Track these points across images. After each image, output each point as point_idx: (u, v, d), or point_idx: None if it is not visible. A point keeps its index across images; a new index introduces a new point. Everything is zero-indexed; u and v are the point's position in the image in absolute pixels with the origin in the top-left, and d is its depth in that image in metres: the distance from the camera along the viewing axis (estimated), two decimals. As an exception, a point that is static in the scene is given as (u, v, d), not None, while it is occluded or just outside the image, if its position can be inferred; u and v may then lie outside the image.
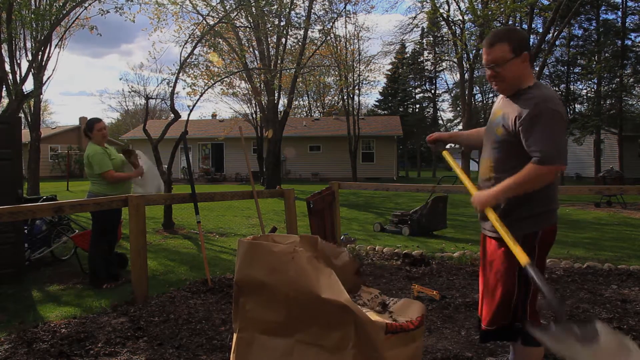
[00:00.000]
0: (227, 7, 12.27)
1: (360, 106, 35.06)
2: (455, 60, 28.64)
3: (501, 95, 2.43)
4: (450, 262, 5.90)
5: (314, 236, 2.57)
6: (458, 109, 42.94)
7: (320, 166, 28.97)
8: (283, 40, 16.19)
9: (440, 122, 49.71)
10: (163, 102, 16.35)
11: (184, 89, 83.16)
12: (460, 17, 20.87)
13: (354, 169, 26.40)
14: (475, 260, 5.71)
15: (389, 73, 42.10)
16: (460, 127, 39.58)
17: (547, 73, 27.87)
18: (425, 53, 44.38)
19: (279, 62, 16.28)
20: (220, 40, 12.86)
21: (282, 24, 14.52)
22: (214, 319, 3.74)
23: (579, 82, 28.99)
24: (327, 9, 17.51)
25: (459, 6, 22.17)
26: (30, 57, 11.95)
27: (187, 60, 10.29)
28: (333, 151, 28.99)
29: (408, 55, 43.26)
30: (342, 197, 11.84)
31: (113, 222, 5.11)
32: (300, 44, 16.39)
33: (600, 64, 24.24)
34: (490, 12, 14.19)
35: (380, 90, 47.99)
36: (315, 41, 18.00)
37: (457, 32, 21.94)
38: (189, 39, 10.52)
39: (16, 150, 5.29)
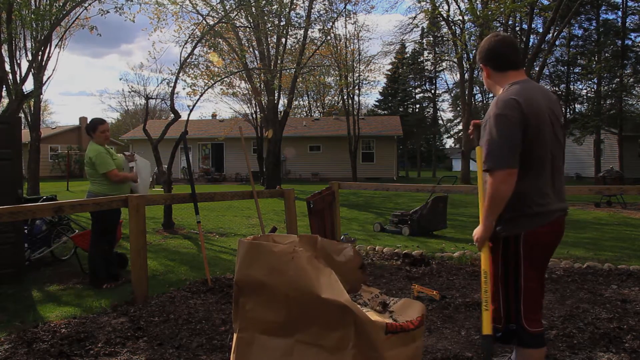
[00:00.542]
0: (227, 7, 12.27)
1: (360, 106, 35.09)
2: (455, 60, 28.66)
3: None
4: (450, 262, 5.90)
5: (313, 235, 2.57)
6: (458, 109, 42.97)
7: (320, 166, 28.97)
8: (283, 40, 16.19)
9: (440, 122, 49.77)
10: (163, 102, 16.35)
11: (184, 89, 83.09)
12: (460, 17, 20.87)
13: (354, 169, 26.40)
14: (475, 260, 5.71)
15: (389, 73, 42.09)
16: (460, 127, 39.63)
17: (547, 73, 27.88)
18: (425, 53, 44.40)
19: (279, 62, 16.28)
20: (220, 40, 12.85)
21: (282, 24, 14.51)
22: (214, 319, 3.74)
23: (579, 82, 29.00)
24: (327, 9, 17.51)
25: (458, 6, 22.21)
26: (30, 57, 11.96)
27: (187, 60, 10.29)
28: (333, 151, 28.98)
29: (408, 55, 43.26)
30: (342, 197, 11.84)
31: (113, 222, 5.11)
32: (300, 43, 16.39)
33: (600, 64, 24.24)
34: (490, 12, 14.19)
35: (380, 90, 48.05)
36: (315, 41, 18.00)
37: (457, 32, 21.94)
38: (189, 39, 10.52)
39: (16, 150, 5.29)
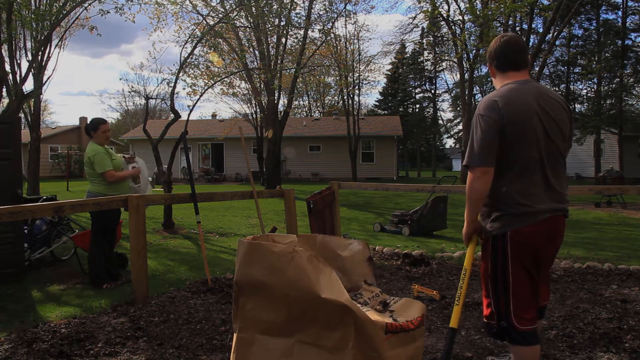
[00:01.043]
0: (227, 7, 12.26)
1: (360, 106, 35.08)
2: (455, 60, 28.64)
3: None
4: (450, 262, 5.90)
5: (312, 235, 2.57)
6: (458, 109, 42.95)
7: (320, 166, 28.96)
8: (283, 40, 16.18)
9: (440, 122, 49.77)
10: (163, 102, 16.35)
11: (184, 89, 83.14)
12: (460, 17, 20.87)
13: (354, 169, 26.39)
14: (475, 260, 5.71)
15: (389, 73, 42.10)
16: (460, 127, 39.62)
17: (547, 73, 27.89)
18: (425, 53, 44.38)
19: (279, 62, 16.28)
20: (220, 40, 12.85)
21: (282, 24, 14.51)
22: (214, 319, 3.74)
23: (579, 82, 29.02)
24: (327, 9, 17.51)
25: (458, 6, 22.21)
26: (30, 57, 11.94)
27: (187, 60, 10.29)
28: (333, 151, 28.98)
29: (408, 55, 43.25)
30: (342, 197, 11.84)
31: (113, 222, 5.11)
32: (300, 44, 16.39)
33: (600, 64, 24.24)
34: (490, 12, 14.19)
35: (380, 90, 48.03)
36: (315, 41, 17.99)
37: (457, 32, 21.94)
38: (189, 39, 10.51)
39: (16, 150, 5.30)
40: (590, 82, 27.91)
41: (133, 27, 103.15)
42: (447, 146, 58.21)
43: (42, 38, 10.87)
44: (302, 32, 15.88)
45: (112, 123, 49.95)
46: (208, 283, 4.75)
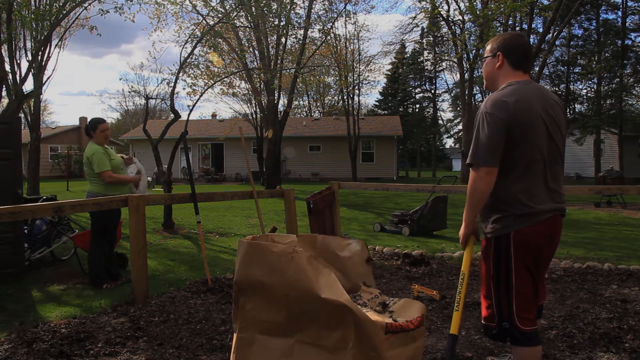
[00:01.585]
0: (227, 7, 12.26)
1: (360, 106, 35.08)
2: (455, 60, 28.65)
3: None
4: (450, 262, 5.90)
5: (312, 235, 2.57)
6: (458, 109, 42.94)
7: (320, 166, 28.96)
8: (283, 40, 16.18)
9: (440, 122, 49.75)
10: (163, 102, 16.35)
11: (184, 89, 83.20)
12: (460, 17, 20.87)
13: (354, 169, 26.39)
14: (475, 260, 5.71)
15: (389, 73, 42.12)
16: (460, 127, 39.62)
17: (547, 73, 27.88)
18: (425, 53, 44.39)
19: (278, 62, 16.27)
20: (220, 40, 12.85)
21: (282, 23, 14.51)
22: (214, 319, 3.74)
23: (579, 82, 29.01)
24: (327, 9, 17.51)
25: (458, 6, 22.20)
26: (30, 57, 11.95)
27: (187, 60, 10.29)
28: (333, 151, 28.98)
29: (408, 55, 43.25)
30: (342, 197, 11.84)
31: (113, 222, 5.11)
32: (300, 43, 16.39)
33: (600, 64, 24.24)
34: (490, 12, 14.18)
35: (380, 90, 48.02)
36: (315, 41, 17.99)
37: (457, 32, 21.94)
38: (189, 39, 10.51)
39: (16, 151, 5.30)
40: (590, 82, 27.91)
41: (133, 27, 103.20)
42: (447, 146, 58.24)
43: (42, 38, 10.87)
44: (302, 32, 15.89)
45: (112, 123, 49.97)
46: (208, 283, 4.75)
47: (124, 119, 52.19)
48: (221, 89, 20.18)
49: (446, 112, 75.59)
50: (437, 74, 46.73)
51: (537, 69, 18.02)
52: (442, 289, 4.54)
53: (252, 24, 13.85)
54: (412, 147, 48.24)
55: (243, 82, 19.90)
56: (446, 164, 56.50)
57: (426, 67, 46.42)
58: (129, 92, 58.64)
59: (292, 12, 14.88)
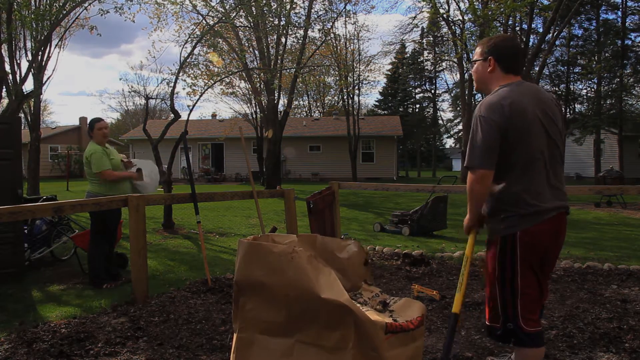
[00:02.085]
0: (226, 7, 12.26)
1: (360, 106, 35.08)
2: (455, 60, 28.63)
3: None
4: (450, 262, 5.90)
5: (312, 235, 2.58)
6: (458, 109, 42.95)
7: (320, 166, 28.96)
8: (283, 39, 16.17)
9: (440, 122, 49.76)
10: (163, 102, 16.34)
11: (183, 89, 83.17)
12: (460, 17, 20.87)
13: (354, 169, 26.39)
14: (475, 260, 5.71)
15: (389, 73, 42.11)
16: (460, 127, 39.61)
17: (547, 73, 27.87)
18: (425, 53, 44.38)
19: (278, 62, 16.27)
20: (220, 40, 12.84)
21: (282, 23, 14.51)
22: (214, 319, 3.74)
23: (579, 82, 28.99)
24: (327, 9, 17.50)
25: (458, 6, 22.18)
26: (30, 57, 11.94)
27: (187, 60, 10.29)
28: (333, 151, 28.98)
29: (408, 55, 43.24)
30: (342, 197, 11.84)
31: (113, 223, 5.11)
32: (300, 43, 16.38)
33: (600, 64, 24.23)
34: (490, 12, 14.18)
35: (380, 90, 48.01)
36: (315, 41, 17.98)
37: (457, 32, 21.93)
38: (189, 39, 10.51)
39: (16, 151, 5.29)
40: (590, 82, 27.89)
41: (133, 27, 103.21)
42: (447, 146, 58.21)
43: (42, 38, 10.87)
44: (302, 31, 15.89)
45: (112, 123, 49.96)
46: (208, 283, 4.75)
47: (124, 119, 52.20)
48: (221, 89, 20.22)
49: (446, 112, 75.64)
50: (437, 74, 46.78)
51: (537, 69, 18.02)
52: (442, 289, 4.54)
53: (252, 24, 13.84)
54: (412, 147, 48.24)
55: (243, 82, 19.92)
56: (446, 164, 56.49)
57: (426, 67, 46.42)
58: (129, 92, 58.70)
59: (292, 12, 14.88)
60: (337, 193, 6.07)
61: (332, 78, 25.05)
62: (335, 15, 17.99)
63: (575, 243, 7.30)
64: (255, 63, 17.65)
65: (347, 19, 23.43)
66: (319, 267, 2.10)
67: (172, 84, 9.47)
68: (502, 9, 13.78)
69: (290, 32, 15.66)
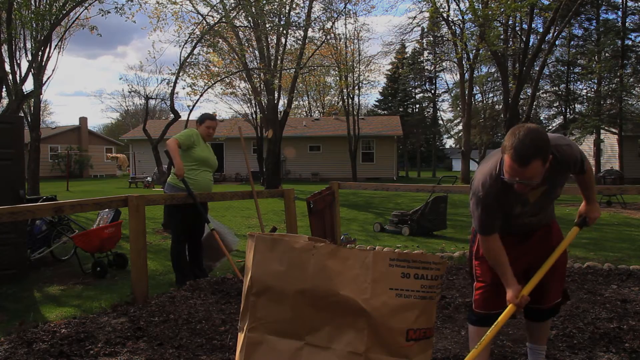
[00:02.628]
0: (226, 7, 12.26)
1: (360, 106, 35.09)
2: (455, 60, 28.64)
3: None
4: (450, 262, 5.90)
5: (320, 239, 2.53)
6: (458, 109, 42.90)
7: (320, 166, 28.96)
8: (283, 39, 16.17)
9: (440, 122, 49.75)
10: (163, 102, 16.34)
11: (183, 89, 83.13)
12: (460, 17, 20.86)
13: (353, 169, 26.39)
14: (475, 260, 5.70)
15: (389, 73, 42.06)
16: (460, 127, 39.59)
17: (547, 73, 27.86)
18: (425, 53, 44.35)
19: (278, 61, 16.27)
20: (220, 40, 12.84)
21: (281, 23, 14.50)
22: (214, 319, 3.74)
23: (579, 82, 28.98)
24: (327, 9, 17.49)
25: (458, 6, 22.19)
26: (30, 57, 11.94)
27: (187, 60, 10.29)
28: (333, 151, 28.98)
29: (408, 55, 43.21)
30: (342, 197, 11.84)
31: (187, 219, 4.94)
32: (300, 43, 16.38)
33: (600, 64, 24.22)
34: (490, 12, 14.18)
35: (380, 90, 48.04)
36: (315, 41, 17.98)
37: (457, 32, 21.92)
38: (189, 39, 10.52)
39: (18, 151, 5.26)
40: (590, 82, 27.87)
41: (129, 29, 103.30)
42: (447, 146, 58.21)
43: (42, 38, 10.87)
44: (302, 31, 15.89)
45: (112, 123, 49.96)
46: (238, 276, 4.61)
47: (124, 119, 52.16)
48: (221, 89, 20.21)
49: (446, 112, 75.40)
50: (437, 74, 46.75)
51: (537, 69, 18.01)
52: (442, 289, 4.53)
53: (251, 24, 13.84)
54: (412, 147, 48.23)
55: (243, 82, 19.91)
56: (446, 164, 56.49)
57: (426, 67, 46.40)
58: (129, 92, 58.64)
59: (292, 12, 14.89)
60: (337, 193, 6.07)
61: (332, 78, 25.07)
62: (335, 16, 18.00)
63: (575, 243, 7.30)
64: (255, 63, 17.64)
65: (347, 18, 23.46)
66: (342, 262, 2.01)
67: (172, 84, 9.50)
68: (502, 9, 13.78)
69: (290, 32, 15.66)
